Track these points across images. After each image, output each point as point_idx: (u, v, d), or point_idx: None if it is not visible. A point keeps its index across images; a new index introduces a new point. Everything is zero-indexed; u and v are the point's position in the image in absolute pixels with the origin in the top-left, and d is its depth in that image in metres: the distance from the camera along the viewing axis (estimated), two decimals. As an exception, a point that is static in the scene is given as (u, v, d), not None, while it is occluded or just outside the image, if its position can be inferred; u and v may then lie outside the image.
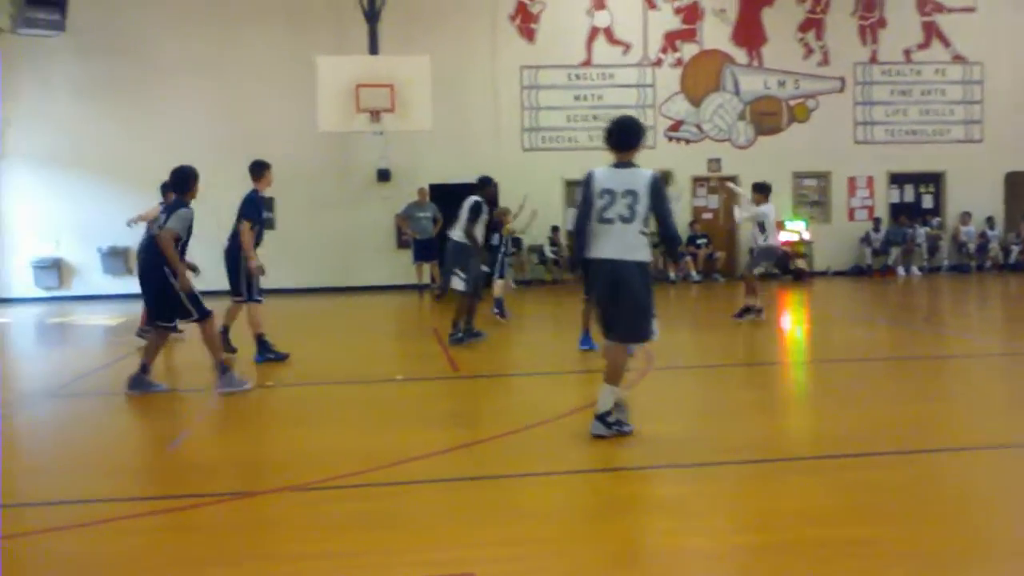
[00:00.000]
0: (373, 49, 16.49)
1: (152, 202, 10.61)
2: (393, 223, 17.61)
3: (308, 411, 7.06)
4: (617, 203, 5.41)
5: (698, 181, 19.53)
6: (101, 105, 17.58)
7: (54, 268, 17.37)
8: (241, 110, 17.46)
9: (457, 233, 9.84)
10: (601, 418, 5.49)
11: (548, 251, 18.37)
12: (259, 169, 8.98)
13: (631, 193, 5.39)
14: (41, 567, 3.74)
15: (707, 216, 19.54)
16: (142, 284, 7.74)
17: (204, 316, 7.44)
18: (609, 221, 5.40)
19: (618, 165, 5.55)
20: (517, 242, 18.34)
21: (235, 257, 8.83)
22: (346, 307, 14.83)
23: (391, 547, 3.83)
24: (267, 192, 9.32)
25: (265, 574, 3.62)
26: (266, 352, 8.89)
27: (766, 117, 19.50)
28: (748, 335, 10.78)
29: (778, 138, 19.54)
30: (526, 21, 18.73)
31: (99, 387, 8.04)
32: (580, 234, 5.57)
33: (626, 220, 5.37)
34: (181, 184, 7.73)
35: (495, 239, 11.65)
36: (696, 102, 19.27)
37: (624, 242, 5.38)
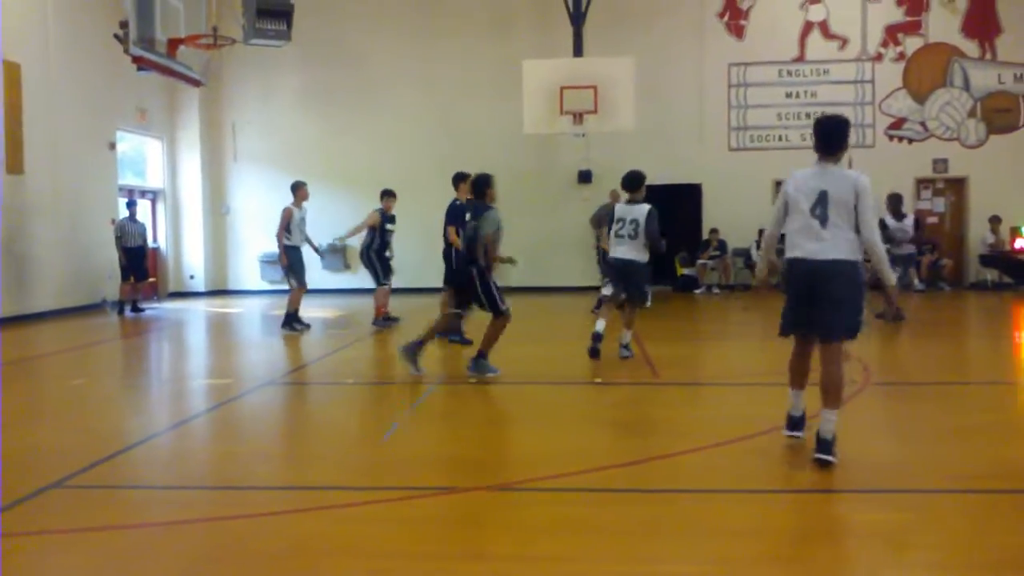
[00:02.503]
0: (578, 51, 16.56)
1: (368, 206, 11.70)
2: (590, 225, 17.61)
3: (508, 410, 7.16)
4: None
5: (922, 183, 18.23)
6: (321, 112, 18.75)
7: (278, 263, 18.64)
8: (450, 116, 18.09)
9: (637, 251, 8.80)
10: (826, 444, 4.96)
11: (755, 255, 17.75)
12: (455, 180, 10.33)
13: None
14: (262, 548, 3.95)
15: (932, 220, 18.18)
16: (456, 282, 8.54)
17: (499, 314, 7.98)
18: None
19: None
20: (722, 245, 17.86)
21: (448, 256, 10.11)
22: (542, 307, 14.97)
23: (594, 555, 3.77)
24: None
25: (473, 573, 3.65)
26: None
27: (1000, 114, 17.93)
28: (977, 350, 9.90)
29: (1014, 136, 17.94)
30: (735, 18, 18.20)
31: (317, 376, 8.52)
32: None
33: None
34: (478, 188, 8.32)
35: None
36: (920, 99, 18.01)
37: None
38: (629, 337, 9.17)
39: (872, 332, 10.20)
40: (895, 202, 12.63)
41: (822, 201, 4.98)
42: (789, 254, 5.17)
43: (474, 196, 8.34)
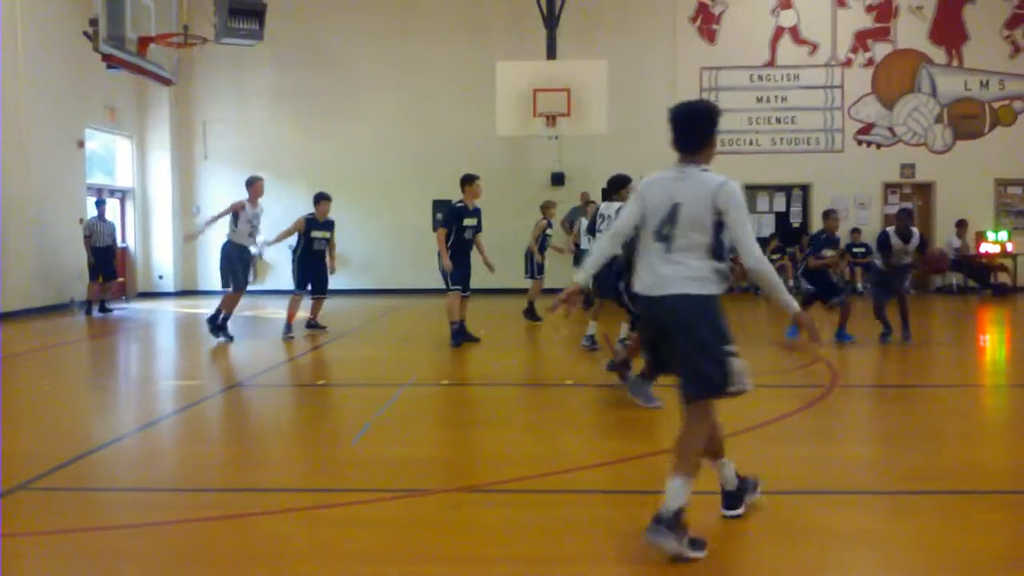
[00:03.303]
0: (551, 54, 16.60)
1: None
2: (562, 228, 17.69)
3: (480, 412, 7.16)
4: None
5: (890, 187, 18.47)
6: (293, 112, 18.64)
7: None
8: (423, 118, 18.05)
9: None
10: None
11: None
12: (462, 182, 10.29)
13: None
14: (229, 551, 3.93)
15: (897, 225, 18.42)
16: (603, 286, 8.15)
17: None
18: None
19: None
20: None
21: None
22: (514, 309, 14.98)
23: (568, 556, 3.79)
24: (477, 203, 10.39)
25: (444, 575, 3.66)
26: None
27: (966, 120, 18.23)
28: (942, 354, 10.05)
29: (979, 142, 18.22)
30: (707, 22, 18.35)
31: (288, 378, 8.47)
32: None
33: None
34: (611, 187, 8.93)
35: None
36: (888, 104, 18.25)
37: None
38: (594, 328, 9.68)
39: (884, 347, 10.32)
40: (905, 218, 10.63)
41: (672, 218, 3.79)
42: (635, 287, 4.01)
43: (611, 196, 8.93)
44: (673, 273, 3.77)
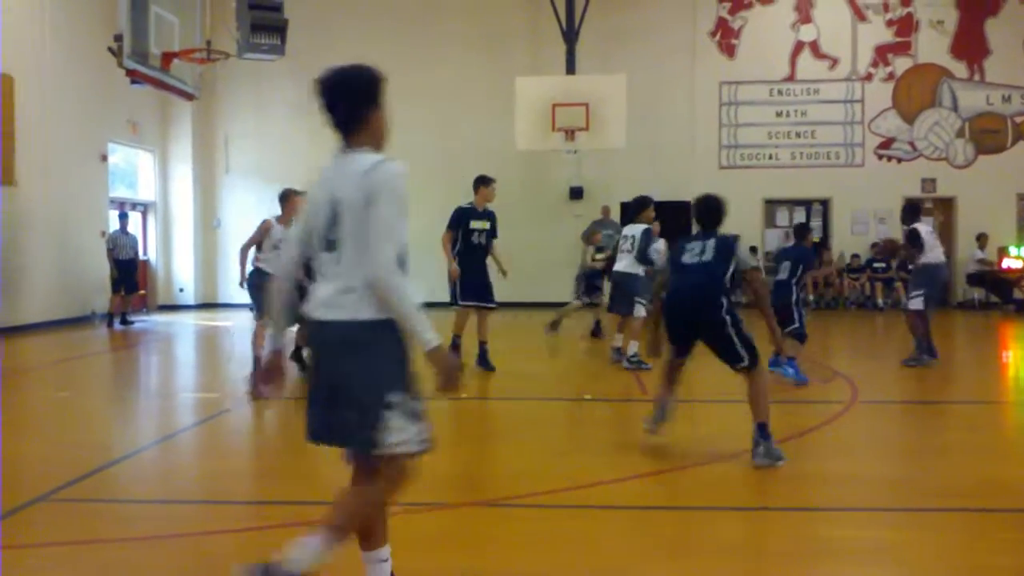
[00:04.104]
0: (570, 68, 16.64)
1: None
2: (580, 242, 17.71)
3: (496, 426, 7.15)
4: None
5: (910, 202, 18.32)
6: (313, 125, 18.45)
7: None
8: (443, 131, 18.12)
9: (627, 263, 9.59)
10: None
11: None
12: (475, 184, 9.56)
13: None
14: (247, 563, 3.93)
15: (919, 240, 18.29)
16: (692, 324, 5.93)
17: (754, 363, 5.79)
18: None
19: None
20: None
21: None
22: (532, 322, 14.96)
23: (581, 571, 3.77)
24: (490, 207, 9.56)
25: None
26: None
27: (988, 135, 18.09)
28: (961, 370, 9.95)
29: (1001, 157, 18.09)
30: (726, 37, 18.34)
31: (306, 392, 8.47)
32: None
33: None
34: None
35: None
36: (909, 119, 18.16)
37: None
38: (620, 341, 9.82)
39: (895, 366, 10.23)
40: (911, 212, 10.22)
41: (334, 218, 2.98)
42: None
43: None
44: (334, 290, 2.94)
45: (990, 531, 4.37)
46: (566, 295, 17.29)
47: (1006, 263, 17.47)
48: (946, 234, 18.31)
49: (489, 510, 4.67)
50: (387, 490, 3.09)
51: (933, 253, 9.63)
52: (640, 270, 9.53)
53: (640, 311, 9.41)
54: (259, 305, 9.19)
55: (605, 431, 6.87)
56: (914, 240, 9.64)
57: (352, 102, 3.10)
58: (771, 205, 18.44)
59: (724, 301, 5.58)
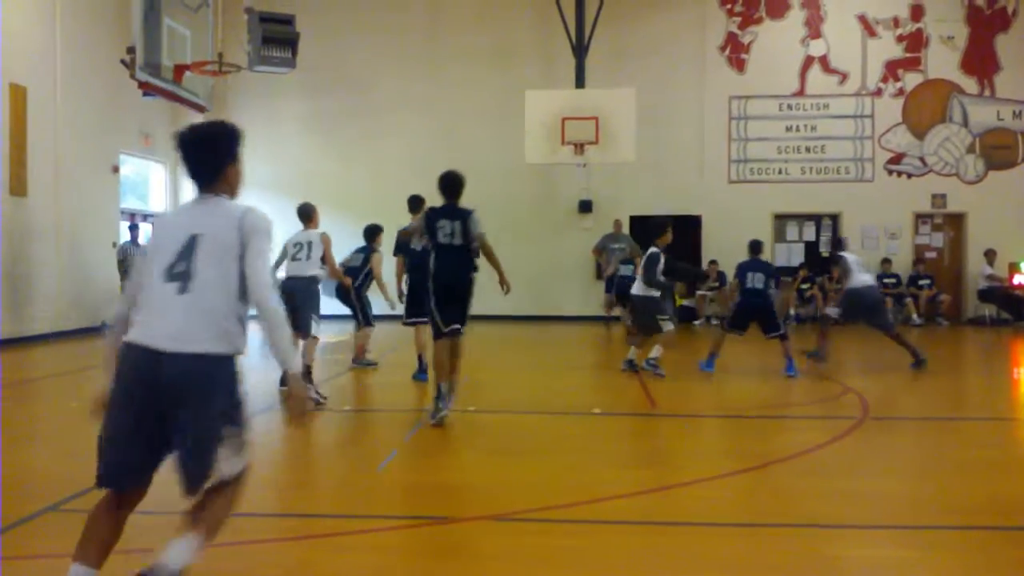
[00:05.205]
0: (580, 82, 16.68)
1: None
2: (591, 255, 17.79)
3: (506, 440, 7.13)
4: None
5: (921, 218, 18.31)
6: (323, 137, 18.87)
7: (279, 288, 18.64)
8: (453, 144, 18.14)
9: (639, 287, 9.98)
10: None
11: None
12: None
13: None
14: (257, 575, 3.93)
15: (931, 255, 18.27)
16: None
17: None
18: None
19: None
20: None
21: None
22: (542, 336, 14.97)
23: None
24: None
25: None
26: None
27: (999, 150, 18.05)
28: (972, 387, 9.89)
29: (1012, 173, 18.05)
30: (736, 51, 18.37)
31: (313, 404, 8.47)
32: None
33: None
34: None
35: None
36: (920, 134, 18.13)
37: None
38: (659, 352, 9.83)
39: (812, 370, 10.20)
40: (837, 244, 12.22)
41: (187, 251, 3.12)
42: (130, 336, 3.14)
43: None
44: (187, 322, 3.04)
45: (1001, 550, 4.33)
46: (573, 308, 17.38)
47: (1017, 279, 17.39)
48: (956, 250, 18.27)
49: (497, 524, 4.66)
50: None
51: (856, 279, 10.73)
52: (654, 292, 9.87)
53: (668, 326, 9.87)
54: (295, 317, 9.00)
55: (612, 445, 6.85)
56: (838, 265, 11.14)
57: (212, 157, 3.28)
58: (781, 220, 18.42)
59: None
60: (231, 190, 3.32)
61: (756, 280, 10.34)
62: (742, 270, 10.55)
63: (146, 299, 3.10)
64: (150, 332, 3.02)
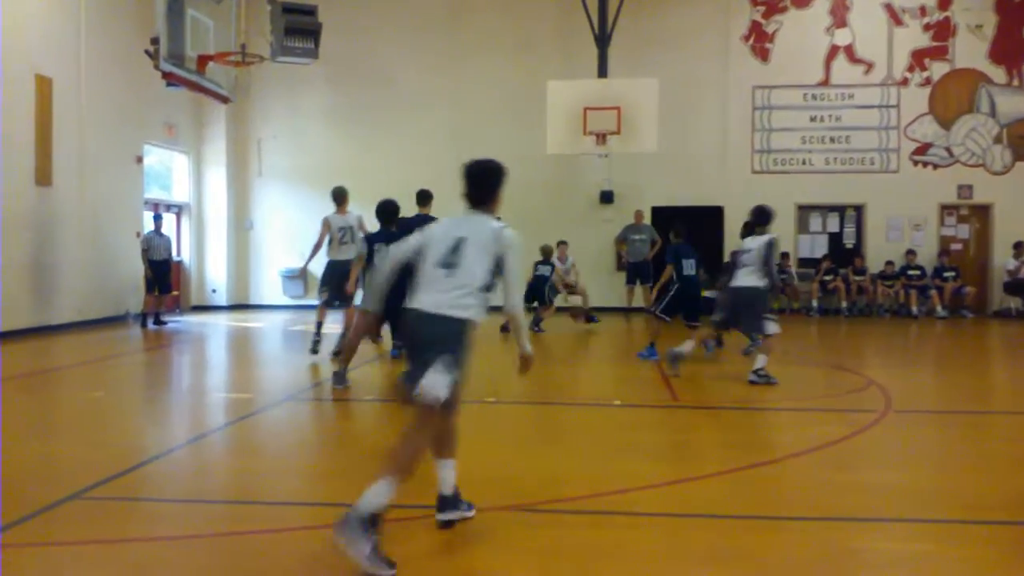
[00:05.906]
0: (602, 72, 16.61)
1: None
2: (613, 245, 17.75)
3: (530, 431, 7.13)
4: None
5: (947, 209, 18.09)
6: (345, 128, 18.90)
7: (300, 278, 18.76)
8: (474, 134, 18.11)
9: (754, 279, 8.93)
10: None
11: (777, 278, 17.62)
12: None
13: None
14: (278, 564, 3.96)
15: (956, 247, 18.06)
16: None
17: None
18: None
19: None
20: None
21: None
22: (563, 327, 14.94)
23: (611, 580, 3.75)
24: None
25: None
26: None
27: (1027, 141, 17.78)
28: (997, 380, 9.77)
29: (1040, 163, 17.75)
30: (760, 40, 18.21)
31: (338, 392, 8.52)
32: None
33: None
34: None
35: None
36: (946, 124, 17.90)
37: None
38: (763, 362, 8.77)
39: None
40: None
41: (455, 249, 4.18)
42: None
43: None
44: (446, 296, 4.12)
45: (1021, 544, 4.29)
46: (594, 299, 17.31)
47: (1042, 273, 17.15)
48: (982, 241, 18.06)
49: (523, 515, 4.65)
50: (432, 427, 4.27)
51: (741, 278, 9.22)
52: (764, 283, 8.97)
53: (773, 327, 8.97)
54: (332, 293, 10.78)
55: (632, 437, 6.83)
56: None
57: (488, 185, 4.42)
58: (804, 211, 18.26)
59: None
60: (492, 210, 4.38)
61: (690, 267, 10.03)
62: (677, 255, 10.04)
63: (422, 279, 4.17)
64: (421, 301, 4.11)
